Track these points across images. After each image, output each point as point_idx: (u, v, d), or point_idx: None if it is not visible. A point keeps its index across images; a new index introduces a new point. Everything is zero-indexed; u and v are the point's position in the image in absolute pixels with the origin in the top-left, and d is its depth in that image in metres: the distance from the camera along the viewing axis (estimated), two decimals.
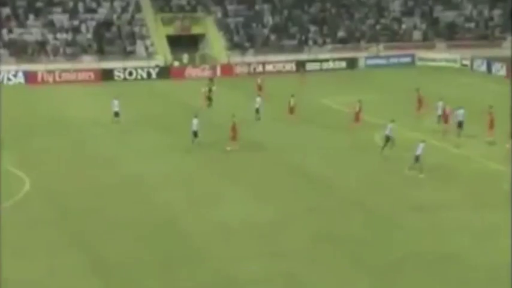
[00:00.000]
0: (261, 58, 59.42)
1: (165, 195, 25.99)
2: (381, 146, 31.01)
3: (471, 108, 36.67)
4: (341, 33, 64.89)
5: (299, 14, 66.16)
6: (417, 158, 27.57)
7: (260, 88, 44.49)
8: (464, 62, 58.02)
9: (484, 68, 55.57)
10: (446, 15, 67.64)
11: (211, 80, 47.66)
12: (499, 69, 53.63)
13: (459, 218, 23.32)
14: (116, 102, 37.18)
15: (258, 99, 39.08)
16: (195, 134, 32.26)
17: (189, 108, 42.21)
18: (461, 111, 32.36)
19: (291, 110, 37.87)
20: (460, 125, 32.10)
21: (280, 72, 57.32)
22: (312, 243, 21.64)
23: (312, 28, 65.09)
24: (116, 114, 36.93)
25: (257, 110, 38.59)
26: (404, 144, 32.77)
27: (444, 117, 34.03)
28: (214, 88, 43.58)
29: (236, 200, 25.45)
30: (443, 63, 58.61)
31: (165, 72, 56.53)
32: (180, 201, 25.32)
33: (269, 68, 58.23)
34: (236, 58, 59.03)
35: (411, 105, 40.74)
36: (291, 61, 59.22)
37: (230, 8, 65.30)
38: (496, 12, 66.84)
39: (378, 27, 66.14)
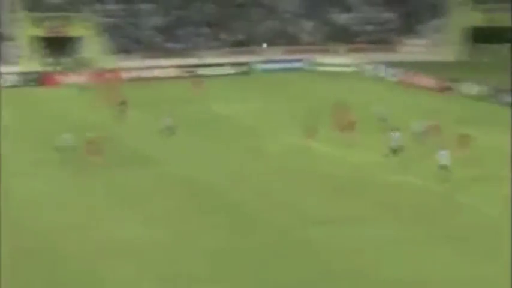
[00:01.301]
0: (147, 62, 59.27)
1: (39, 217, 25.27)
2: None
3: (364, 114, 38.60)
4: (235, 36, 65.92)
5: (190, 14, 66.56)
6: None
7: (113, 96, 43.42)
8: (360, 67, 60.67)
9: (379, 72, 58.38)
10: (342, 18, 70.50)
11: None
12: (394, 74, 56.56)
13: (365, 231, 23.95)
14: None
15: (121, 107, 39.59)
16: (71, 148, 31.83)
17: (63, 119, 41.25)
18: (397, 134, 32.08)
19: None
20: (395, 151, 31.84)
21: (168, 78, 57.38)
22: (210, 263, 21.55)
23: (206, 30, 65.63)
24: None
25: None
26: (304, 153, 34.04)
27: (349, 125, 35.07)
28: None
29: (122, 221, 25.02)
30: (338, 68, 60.95)
31: (36, 78, 54.81)
32: (57, 223, 24.67)
33: (157, 73, 58.23)
34: (118, 63, 58.48)
35: (309, 113, 42.24)
36: (180, 66, 59.49)
37: (110, 7, 64.43)
38: (391, 15, 70.49)
39: (271, 30, 67.83)
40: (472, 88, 48.66)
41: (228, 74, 59.18)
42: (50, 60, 57.74)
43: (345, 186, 29.05)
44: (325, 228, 24.21)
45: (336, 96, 48.68)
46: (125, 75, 56.79)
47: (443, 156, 28.42)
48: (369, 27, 69.10)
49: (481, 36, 64.56)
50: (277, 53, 64.09)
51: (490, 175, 29.81)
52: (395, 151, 31.57)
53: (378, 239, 23.25)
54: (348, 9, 71.17)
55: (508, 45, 63.80)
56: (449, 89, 50.44)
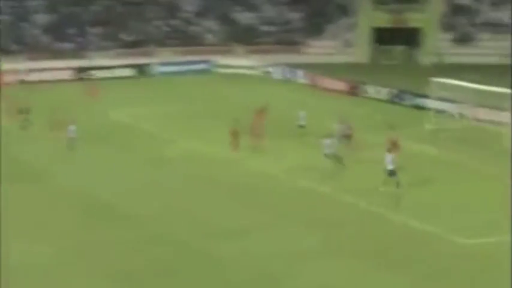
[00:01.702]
0: (33, 64, 57.26)
1: None
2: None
3: (277, 118, 38.74)
4: (128, 36, 64.86)
5: (79, 12, 64.97)
6: None
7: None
8: (264, 69, 61.03)
9: (284, 75, 58.91)
10: (245, 17, 70.78)
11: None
12: (301, 77, 57.22)
13: (270, 241, 24.16)
14: None
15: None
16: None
17: None
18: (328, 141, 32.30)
19: (55, 127, 36.70)
20: None
21: (57, 82, 55.70)
22: (104, 283, 21.15)
23: (95, 29, 64.26)
24: None
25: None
26: (206, 161, 33.74)
27: (256, 130, 35.10)
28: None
29: (8, 239, 24.15)
30: (242, 70, 61.09)
31: None
32: None
33: (44, 76, 56.30)
34: (2, 64, 56.20)
35: (211, 118, 42.07)
36: (69, 68, 57.84)
37: None
38: (296, 15, 71.41)
39: (169, 29, 67.22)
40: (379, 91, 49.79)
41: (124, 77, 58.11)
42: None
43: (250, 194, 29.16)
44: (228, 239, 24.25)
45: (241, 100, 48.81)
46: (6, 78, 54.52)
47: (390, 161, 28.57)
48: (273, 28, 69.68)
49: (385, 37, 66.42)
50: (177, 55, 63.46)
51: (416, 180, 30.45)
52: (330, 157, 31.59)
53: (282, 250, 23.37)
54: (251, 8, 71.52)
55: (407, 47, 66.16)
56: (357, 91, 51.41)
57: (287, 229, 25.23)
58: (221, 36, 68.02)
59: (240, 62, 62.19)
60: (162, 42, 64.82)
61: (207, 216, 26.54)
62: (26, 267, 21.99)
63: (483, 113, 40.93)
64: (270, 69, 60.57)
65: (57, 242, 24.04)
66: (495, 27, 65.04)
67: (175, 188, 29.98)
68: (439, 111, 41.18)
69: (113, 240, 24.19)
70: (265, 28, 69.78)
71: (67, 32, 62.50)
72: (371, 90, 50.52)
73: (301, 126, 37.95)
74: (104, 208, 27.49)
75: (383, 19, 67.13)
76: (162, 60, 62.04)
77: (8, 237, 24.11)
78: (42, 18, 62.99)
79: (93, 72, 58.27)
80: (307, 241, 24.12)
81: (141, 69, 60.25)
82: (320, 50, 66.43)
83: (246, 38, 67.55)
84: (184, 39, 66.20)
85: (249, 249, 23.49)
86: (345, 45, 67.49)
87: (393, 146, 31.41)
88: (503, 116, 38.84)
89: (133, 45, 63.84)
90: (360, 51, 66.97)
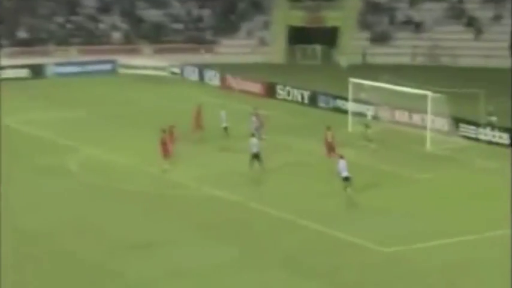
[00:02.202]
0: None
1: None
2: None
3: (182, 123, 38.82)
4: (21, 34, 63.51)
5: None
6: None
7: None
8: (174, 70, 60.98)
9: (195, 76, 59.03)
10: (151, 14, 70.51)
11: None
12: (212, 78, 57.48)
13: (181, 255, 24.22)
14: None
15: None
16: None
17: None
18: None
19: None
20: None
21: None
22: None
23: None
24: None
25: None
26: (112, 170, 33.49)
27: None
28: None
29: None
30: (150, 71, 60.84)
31: None
32: None
33: None
34: None
35: (116, 123, 41.81)
36: None
37: None
38: (207, 12, 71.67)
39: (69, 26, 66.24)
40: (292, 92, 50.59)
41: (17, 78, 56.89)
42: None
43: (158, 205, 29.20)
44: (137, 253, 24.18)
45: (149, 103, 48.62)
46: None
47: (343, 167, 29.05)
48: (182, 26, 69.69)
49: (301, 36, 67.57)
50: (78, 54, 62.59)
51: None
52: (257, 157, 32.02)
53: (196, 262, 23.48)
54: (157, 5, 71.33)
55: (324, 47, 67.60)
56: (272, 93, 52.05)
57: (199, 242, 25.37)
58: (126, 34, 67.54)
59: (147, 62, 61.96)
60: (62, 40, 63.81)
61: (114, 229, 26.42)
62: None
63: (400, 115, 42.29)
64: (180, 69, 60.58)
65: None
66: (413, 26, 67.17)
67: (77, 200, 29.72)
68: (357, 114, 42.24)
69: (14, 261, 23.75)
70: (174, 26, 69.73)
71: None
72: (287, 91, 51.27)
73: (225, 128, 38.20)
74: None
75: (299, 17, 68.29)
76: (62, 60, 61.03)
77: None
78: None
79: None
80: (221, 254, 24.32)
81: (36, 69, 59.08)
82: (233, 49, 66.94)
83: (153, 36, 67.33)
84: (87, 37, 65.39)
85: (157, 265, 23.45)
86: (259, 44, 68.25)
87: (330, 149, 32.25)
88: (420, 119, 40.26)
89: (28, 44, 62.53)
90: (275, 50, 67.87)
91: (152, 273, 22.90)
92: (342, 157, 29.41)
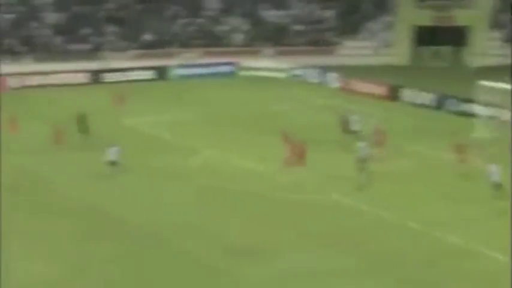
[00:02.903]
0: (42, 67, 57.78)
1: None
2: None
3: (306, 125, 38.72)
4: (147, 36, 65.26)
5: (92, 11, 65.57)
6: None
7: None
8: (295, 72, 60.98)
9: (316, 78, 58.79)
10: (273, 15, 70.84)
11: None
12: (333, 80, 57.06)
13: (286, 262, 24.14)
14: None
15: None
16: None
17: None
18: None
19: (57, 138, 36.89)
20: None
21: (69, 85, 56.18)
22: None
23: (110, 29, 64.79)
24: None
25: None
26: (231, 173, 33.72)
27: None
28: None
29: (10, 257, 24.43)
30: (270, 73, 61.09)
31: None
32: None
33: (53, 80, 56.80)
34: (6, 67, 56.74)
35: (236, 125, 42.16)
36: (82, 71, 58.33)
37: None
38: (329, 14, 71.31)
39: (192, 28, 67.52)
40: (417, 95, 49.44)
41: (142, 80, 58.47)
42: None
43: (273, 208, 29.21)
44: (251, 256, 24.30)
45: (269, 106, 48.76)
46: (13, 82, 55.15)
47: (496, 172, 28.25)
48: (304, 27, 69.64)
49: (428, 37, 66.01)
50: (200, 56, 63.70)
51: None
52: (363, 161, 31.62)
53: (308, 269, 23.30)
54: (279, 6, 71.60)
55: (454, 48, 65.68)
56: (396, 96, 51.10)
57: (314, 249, 25.14)
58: (247, 36, 68.15)
59: (268, 64, 62.25)
60: (184, 42, 65.12)
61: (223, 232, 26.61)
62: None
63: None
64: (300, 72, 60.51)
65: (62, 256, 24.43)
66: None
67: (193, 202, 30.07)
68: (487, 118, 40.78)
69: (122, 256, 24.44)
70: (296, 27, 69.77)
71: (80, 32, 63.02)
72: (411, 94, 50.19)
73: (354, 132, 37.55)
74: (115, 223, 27.63)
75: (425, 17, 66.73)
76: (184, 62, 62.29)
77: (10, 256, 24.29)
78: (51, 17, 63.61)
79: (108, 75, 58.71)
80: (336, 261, 24.01)
81: (160, 72, 60.58)
82: (355, 50, 66.26)
83: (274, 38, 67.61)
84: (209, 39, 66.42)
85: (269, 269, 23.41)
86: (383, 45, 67.23)
87: (461, 154, 31.29)
88: None
89: (152, 46, 64.22)
90: (399, 52, 66.65)
91: (264, 277, 22.88)
92: (492, 162, 28.29)
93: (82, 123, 39.22)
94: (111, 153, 33.27)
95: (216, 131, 41.74)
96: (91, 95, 52.34)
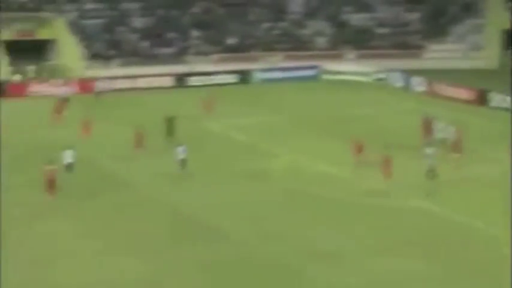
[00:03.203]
0: (129, 71, 59.21)
1: None
2: None
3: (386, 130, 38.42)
4: (230, 40, 65.91)
5: (178, 15, 66.69)
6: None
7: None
8: (378, 76, 60.50)
9: (401, 82, 58.18)
10: (357, 19, 70.48)
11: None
12: (419, 84, 56.34)
13: (375, 267, 24.03)
14: None
15: None
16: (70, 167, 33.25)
17: (36, 137, 41.31)
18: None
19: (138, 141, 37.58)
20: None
21: (155, 89, 57.35)
22: None
23: (195, 33, 65.74)
24: None
25: None
26: (313, 177, 33.79)
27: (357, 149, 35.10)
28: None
29: (93, 255, 25.22)
30: (353, 77, 60.81)
31: None
32: (12, 261, 24.69)
33: (140, 83, 58.10)
34: (96, 71, 58.44)
35: (319, 129, 42.19)
36: (167, 74, 59.42)
37: (88, 7, 64.81)
38: (414, 16, 70.44)
39: (275, 32, 67.82)
40: (505, 100, 48.33)
41: (225, 84, 59.09)
42: (17, 67, 57.67)
43: (354, 213, 29.15)
44: (331, 261, 24.27)
45: (352, 110, 48.50)
46: (102, 85, 56.65)
47: None
48: (388, 30, 69.00)
49: None
50: (280, 60, 63.93)
51: None
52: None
53: (387, 277, 23.05)
54: (363, 9, 71.18)
55: None
56: (484, 101, 50.08)
57: (397, 252, 25.00)
58: (331, 39, 68.00)
59: (351, 67, 61.97)
60: (267, 46, 65.46)
61: (308, 237, 26.66)
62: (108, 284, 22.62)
63: None
64: (384, 75, 60.00)
65: (149, 256, 24.92)
66: None
67: (274, 205, 30.27)
68: None
69: (206, 259, 24.76)
70: (380, 30, 69.21)
71: (166, 36, 64.19)
72: (499, 99, 49.09)
73: (442, 141, 36.96)
74: (199, 226, 28.01)
75: None
76: (267, 65, 62.66)
77: (93, 254, 24.93)
78: (138, 22, 65.02)
79: (192, 78, 59.62)
80: (420, 267, 23.77)
81: (243, 75, 61.10)
82: (442, 54, 65.22)
83: (358, 41, 67.25)
84: (292, 43, 66.58)
85: (349, 274, 23.36)
86: (471, 48, 65.95)
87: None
88: None
89: (236, 50, 64.83)
90: (488, 55, 65.27)
91: (349, 283, 22.82)
92: None
93: (170, 126, 39.99)
94: (179, 153, 34.06)
95: (299, 135, 41.82)
96: (176, 98, 53.27)
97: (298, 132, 42.55)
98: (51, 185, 30.45)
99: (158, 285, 23.09)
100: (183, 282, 23.20)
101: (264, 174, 34.48)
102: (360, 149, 34.71)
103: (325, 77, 61.78)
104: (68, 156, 33.51)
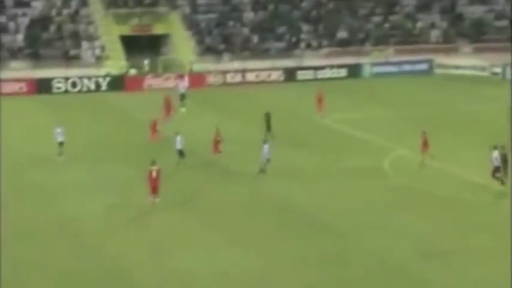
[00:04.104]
0: (240, 65, 60.36)
1: (116, 242, 26.38)
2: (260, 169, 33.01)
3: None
4: (341, 34, 66.06)
5: (288, 9, 67.32)
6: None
7: None
8: (495, 70, 59.35)
9: None
10: (472, 11, 69.20)
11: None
12: None
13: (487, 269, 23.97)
14: (59, 130, 36.50)
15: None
16: (181, 153, 34.76)
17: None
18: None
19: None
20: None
21: (264, 83, 58.24)
22: None
23: (305, 27, 66.21)
24: (61, 144, 36.68)
25: None
26: (424, 174, 33.76)
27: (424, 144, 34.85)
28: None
29: (209, 246, 25.88)
30: (468, 72, 59.87)
31: (118, 82, 57.15)
32: (137, 248, 25.73)
33: (250, 77, 59.17)
34: (208, 65, 59.89)
35: (431, 125, 41.80)
36: (277, 68, 60.22)
37: (200, 2, 66.37)
38: None
39: (386, 25, 67.51)
40: None
41: (335, 78, 59.34)
42: (133, 62, 59.59)
43: (465, 210, 28.96)
44: (434, 262, 24.18)
45: (468, 107, 47.70)
46: (214, 79, 58.09)
47: None
48: (506, 22, 67.42)
49: None
50: (390, 53, 63.65)
51: None
52: None
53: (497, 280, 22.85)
54: (480, 1, 69.84)
55: None
56: None
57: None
58: (445, 32, 67.10)
59: (466, 61, 61.01)
60: (378, 40, 65.25)
61: (417, 234, 26.65)
62: (223, 276, 23.61)
63: None
64: (501, 70, 58.78)
65: (260, 248, 25.56)
66: None
67: (383, 201, 30.33)
68: None
69: (313, 253, 25.13)
70: (497, 23, 67.74)
71: (276, 31, 64.96)
72: None
73: None
74: (307, 221, 28.35)
75: None
76: (377, 60, 62.51)
77: (209, 246, 25.93)
78: (249, 16, 66.06)
79: (302, 72, 60.21)
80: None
81: (353, 69, 61.21)
82: None
83: (473, 34, 66.10)
84: (404, 36, 66.11)
85: (457, 275, 23.28)
86: None
87: None
88: None
89: (346, 44, 64.95)
90: None
91: (458, 283, 22.86)
92: None
93: (267, 121, 40.52)
94: (177, 142, 34.82)
95: (410, 130, 41.50)
96: (285, 92, 53.95)
97: (410, 127, 41.93)
98: (154, 186, 29.71)
99: (268, 278, 23.49)
100: (295, 277, 23.51)
101: (375, 169, 34.46)
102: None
103: (439, 71, 61.10)
104: (178, 142, 34.89)
